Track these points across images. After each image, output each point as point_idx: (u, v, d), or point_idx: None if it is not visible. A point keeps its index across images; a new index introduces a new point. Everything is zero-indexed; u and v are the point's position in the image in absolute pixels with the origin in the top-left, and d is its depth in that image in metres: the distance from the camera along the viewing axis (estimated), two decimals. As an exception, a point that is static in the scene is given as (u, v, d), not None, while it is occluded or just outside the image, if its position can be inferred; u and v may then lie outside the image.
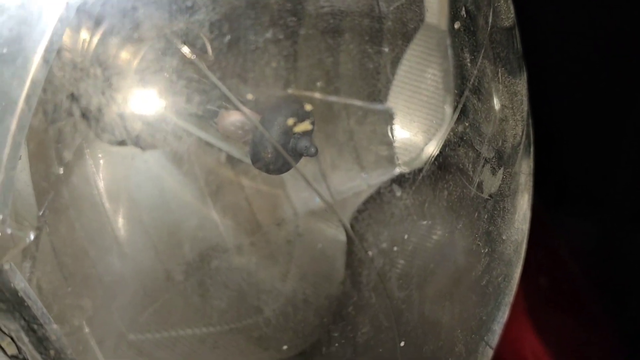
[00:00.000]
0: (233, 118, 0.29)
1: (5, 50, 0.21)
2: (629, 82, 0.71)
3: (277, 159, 0.29)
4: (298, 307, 0.31)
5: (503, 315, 0.35)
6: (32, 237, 0.24)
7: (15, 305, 0.24)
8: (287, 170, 0.30)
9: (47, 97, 0.22)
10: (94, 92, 0.23)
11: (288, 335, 0.30)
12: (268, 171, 0.30)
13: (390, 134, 0.33)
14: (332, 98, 0.32)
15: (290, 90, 0.29)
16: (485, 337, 0.33)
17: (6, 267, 0.23)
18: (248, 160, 0.30)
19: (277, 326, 0.30)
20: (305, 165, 0.32)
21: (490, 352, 0.35)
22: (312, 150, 0.29)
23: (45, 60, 0.21)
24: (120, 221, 0.32)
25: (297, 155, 0.29)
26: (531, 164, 0.37)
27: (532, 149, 0.37)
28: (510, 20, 0.34)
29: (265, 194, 0.35)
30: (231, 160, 0.35)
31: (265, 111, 0.27)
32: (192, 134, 0.29)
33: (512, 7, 0.35)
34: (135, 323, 0.32)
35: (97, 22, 0.23)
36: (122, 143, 0.26)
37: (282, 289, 0.33)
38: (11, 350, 0.25)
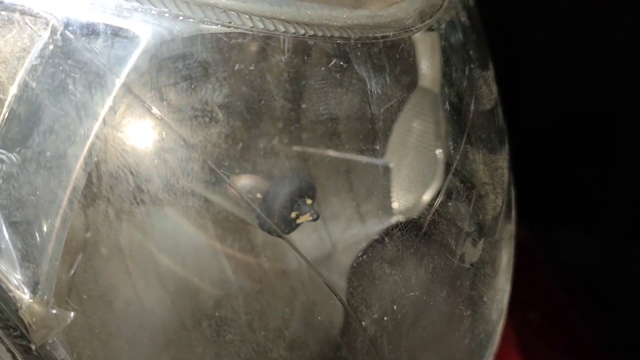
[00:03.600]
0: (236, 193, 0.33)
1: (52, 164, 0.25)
2: (623, 98, 0.73)
3: (279, 226, 0.33)
4: (302, 352, 0.34)
5: (490, 354, 0.39)
6: (72, 316, 0.28)
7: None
8: (289, 233, 0.34)
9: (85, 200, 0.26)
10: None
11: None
12: (272, 234, 0.34)
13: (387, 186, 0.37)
14: (327, 158, 0.35)
15: (289, 166, 0.33)
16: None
17: (50, 341, 0.27)
18: (255, 223, 0.34)
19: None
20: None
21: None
22: (316, 217, 0.33)
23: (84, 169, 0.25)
24: (140, 275, 0.36)
25: (292, 225, 0.33)
26: (512, 227, 0.41)
27: (513, 214, 0.41)
28: (492, 102, 0.38)
29: (272, 247, 0.39)
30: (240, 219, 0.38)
31: (264, 189, 0.31)
32: (206, 198, 0.33)
33: (494, 88, 0.39)
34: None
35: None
36: (141, 203, 0.30)
37: (287, 335, 0.36)
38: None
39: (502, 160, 0.38)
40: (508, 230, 0.39)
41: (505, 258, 0.38)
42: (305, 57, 0.28)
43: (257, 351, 0.33)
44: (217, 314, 0.33)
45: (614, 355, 0.73)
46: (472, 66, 0.35)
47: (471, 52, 0.35)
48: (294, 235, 0.33)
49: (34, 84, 0.25)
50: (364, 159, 0.31)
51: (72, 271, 0.28)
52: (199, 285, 0.34)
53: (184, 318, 0.33)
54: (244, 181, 0.29)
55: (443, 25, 0.33)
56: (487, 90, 0.37)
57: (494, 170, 0.36)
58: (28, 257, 0.26)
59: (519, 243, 0.67)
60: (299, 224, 0.31)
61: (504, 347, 0.61)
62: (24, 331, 0.27)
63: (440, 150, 0.34)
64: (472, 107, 0.35)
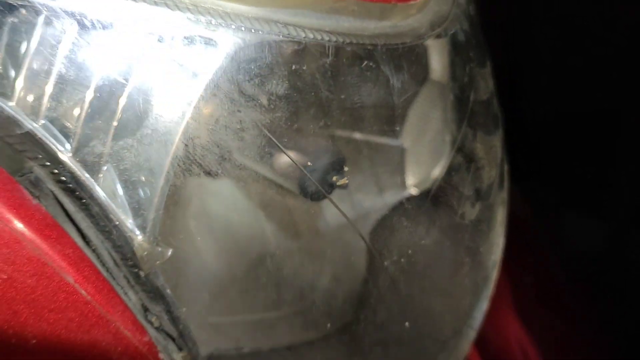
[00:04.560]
0: (285, 161, 0.42)
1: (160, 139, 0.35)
2: (627, 85, 0.76)
3: (317, 191, 0.42)
4: (335, 297, 0.44)
5: (483, 306, 0.48)
6: (170, 252, 0.37)
7: (159, 296, 0.37)
8: (325, 198, 0.43)
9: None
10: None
11: (328, 318, 0.43)
12: (311, 199, 0.43)
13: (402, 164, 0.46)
14: (359, 136, 0.44)
15: (331, 142, 0.42)
16: (468, 322, 0.46)
17: (153, 270, 0.36)
18: (297, 191, 0.43)
19: (320, 311, 0.43)
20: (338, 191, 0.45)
21: (472, 333, 0.48)
22: (344, 184, 0.42)
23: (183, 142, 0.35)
24: (204, 234, 0.46)
25: (333, 187, 0.42)
26: (505, 195, 0.50)
27: (505, 184, 0.50)
28: (488, 94, 0.47)
29: (307, 213, 0.48)
30: (284, 189, 0.48)
31: (313, 159, 0.41)
32: (256, 170, 0.43)
33: (490, 82, 0.48)
34: (214, 309, 0.45)
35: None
36: (208, 174, 0.39)
37: (321, 284, 0.46)
38: (156, 323, 0.38)
39: (496, 140, 0.47)
40: (501, 197, 0.48)
41: (499, 218, 0.47)
42: (344, 60, 0.38)
43: (307, 282, 0.42)
44: (277, 253, 0.42)
45: (605, 316, 0.80)
46: (472, 65, 0.44)
47: (471, 54, 0.44)
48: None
49: (146, 80, 0.35)
50: (387, 139, 0.40)
51: (171, 218, 0.37)
52: (265, 233, 0.43)
53: (251, 254, 0.43)
54: (297, 152, 0.39)
55: (449, 33, 0.42)
56: (484, 85, 0.46)
57: (489, 148, 0.45)
58: (140, 207, 0.36)
59: (519, 218, 0.76)
60: (338, 186, 0.40)
61: (501, 305, 0.71)
62: (137, 262, 0.36)
63: (447, 133, 0.43)
64: (471, 98, 0.44)
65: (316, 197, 0.42)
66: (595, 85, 0.81)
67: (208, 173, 0.37)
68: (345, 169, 0.39)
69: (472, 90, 0.44)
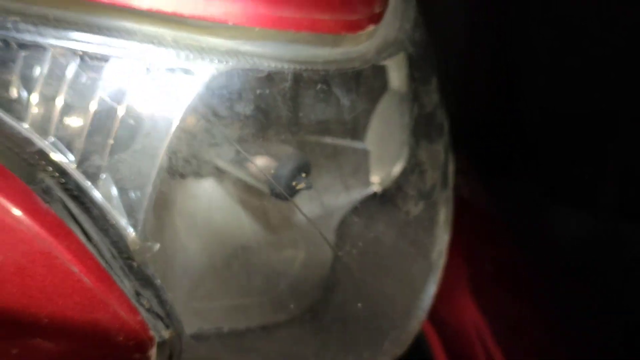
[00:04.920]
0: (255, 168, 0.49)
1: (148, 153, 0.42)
2: (624, 85, 0.79)
3: (281, 193, 0.49)
4: (299, 283, 0.51)
5: (431, 290, 0.56)
6: (157, 246, 0.44)
7: (149, 283, 0.45)
8: (292, 196, 0.50)
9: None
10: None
11: (295, 301, 0.51)
12: (279, 198, 0.50)
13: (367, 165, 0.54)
14: (315, 147, 0.52)
15: (292, 153, 0.49)
16: (417, 304, 0.54)
17: (145, 262, 0.44)
18: (267, 191, 0.51)
19: (287, 295, 0.51)
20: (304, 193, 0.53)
21: (422, 314, 0.56)
22: (310, 186, 0.50)
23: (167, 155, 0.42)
24: (186, 230, 0.53)
25: (294, 190, 0.49)
26: (449, 193, 0.57)
27: (450, 184, 0.57)
28: (432, 107, 0.54)
29: (274, 211, 0.55)
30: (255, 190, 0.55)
31: (278, 164, 0.48)
32: (230, 176, 0.50)
33: (434, 97, 0.56)
34: (196, 295, 0.53)
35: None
36: (197, 175, 0.46)
37: (288, 272, 0.53)
38: (147, 306, 0.46)
39: (440, 146, 0.54)
40: (444, 196, 0.55)
41: (443, 215, 0.55)
42: (301, 84, 0.45)
43: (275, 271, 0.50)
44: (250, 246, 0.50)
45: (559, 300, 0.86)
46: (415, 83, 0.52)
47: (414, 73, 0.52)
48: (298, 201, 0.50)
49: (136, 104, 0.42)
50: (340, 148, 0.48)
51: (158, 218, 0.45)
52: (239, 228, 0.50)
53: (227, 247, 0.50)
54: (263, 162, 0.46)
55: (395, 57, 0.50)
56: (428, 99, 0.53)
57: (432, 154, 0.53)
58: (132, 209, 0.43)
59: (478, 208, 0.83)
60: (298, 190, 0.48)
61: (459, 291, 0.78)
62: (130, 255, 0.44)
63: (392, 142, 0.51)
64: (415, 111, 0.51)
65: (281, 197, 0.49)
66: (593, 85, 0.85)
67: (189, 179, 0.44)
68: (303, 175, 0.47)
69: (415, 104, 0.51)
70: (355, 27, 0.46)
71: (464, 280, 0.79)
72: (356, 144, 0.49)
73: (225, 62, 0.43)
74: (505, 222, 0.92)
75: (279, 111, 0.45)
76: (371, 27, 0.47)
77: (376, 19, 0.47)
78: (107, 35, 0.40)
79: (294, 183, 0.46)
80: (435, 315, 0.69)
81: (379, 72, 0.49)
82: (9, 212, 0.40)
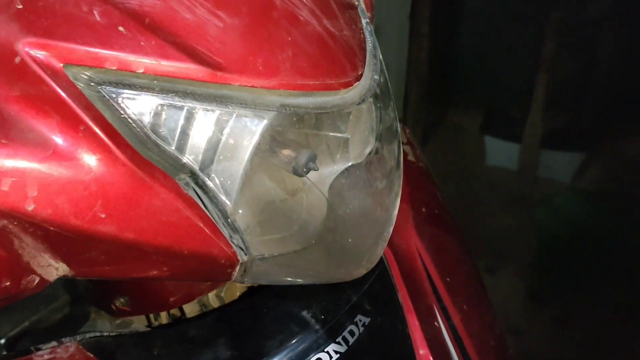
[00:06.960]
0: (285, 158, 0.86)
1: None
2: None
3: (300, 172, 0.85)
4: (312, 222, 0.88)
5: (390, 228, 0.95)
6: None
7: (237, 231, 0.82)
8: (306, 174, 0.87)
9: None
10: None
11: (312, 236, 0.89)
12: (298, 175, 0.87)
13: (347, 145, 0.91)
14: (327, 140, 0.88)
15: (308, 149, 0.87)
16: (381, 236, 0.93)
17: (234, 220, 0.80)
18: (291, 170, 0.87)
19: (308, 232, 0.89)
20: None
21: (383, 244, 0.94)
22: (316, 168, 0.87)
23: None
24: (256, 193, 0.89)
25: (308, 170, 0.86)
26: (400, 172, 0.96)
27: (400, 166, 0.95)
28: (389, 122, 0.91)
29: (298, 180, 0.91)
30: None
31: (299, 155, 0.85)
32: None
33: (392, 114, 0.93)
34: (261, 234, 0.88)
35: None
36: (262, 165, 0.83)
37: (305, 218, 0.90)
38: (236, 242, 0.82)
39: (395, 145, 0.92)
40: (397, 174, 0.93)
41: (396, 187, 0.93)
42: (319, 119, 0.82)
43: (299, 215, 0.87)
44: (283, 203, 0.87)
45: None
46: (380, 110, 0.88)
47: (379, 104, 0.88)
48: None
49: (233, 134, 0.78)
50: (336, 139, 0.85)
51: (242, 194, 0.82)
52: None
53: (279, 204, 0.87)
54: (289, 154, 0.83)
55: (369, 98, 0.86)
56: (388, 118, 0.90)
57: (389, 149, 0.90)
58: (228, 191, 0.79)
59: (418, 167, 1.21)
60: (309, 170, 0.84)
61: (406, 227, 1.18)
62: (228, 215, 0.80)
63: (367, 143, 0.88)
64: (380, 127, 0.88)
65: (300, 174, 0.85)
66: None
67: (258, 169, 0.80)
68: (312, 165, 0.83)
69: (380, 122, 0.89)
70: (347, 85, 0.82)
71: (409, 219, 1.18)
72: (342, 136, 0.85)
73: (274, 110, 0.77)
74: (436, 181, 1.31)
75: (307, 136, 0.81)
76: (356, 83, 0.83)
77: (359, 77, 0.84)
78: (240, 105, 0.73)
79: (306, 168, 0.82)
80: (391, 242, 1.02)
81: (360, 109, 0.86)
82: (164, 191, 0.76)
